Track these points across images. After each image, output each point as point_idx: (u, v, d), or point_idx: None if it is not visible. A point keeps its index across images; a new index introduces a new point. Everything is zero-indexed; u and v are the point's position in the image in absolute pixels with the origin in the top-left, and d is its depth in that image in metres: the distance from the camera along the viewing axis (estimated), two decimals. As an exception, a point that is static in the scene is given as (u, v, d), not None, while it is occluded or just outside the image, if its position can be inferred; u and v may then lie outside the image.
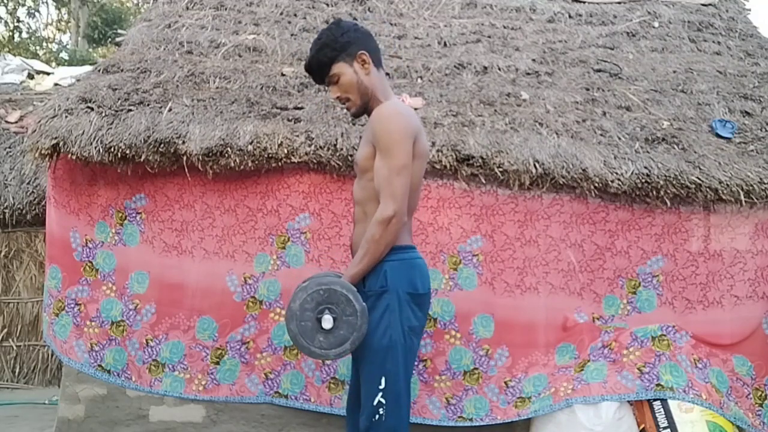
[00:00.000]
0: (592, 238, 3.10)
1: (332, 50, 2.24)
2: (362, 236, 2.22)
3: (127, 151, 2.96)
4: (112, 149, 2.95)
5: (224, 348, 3.06)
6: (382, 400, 2.07)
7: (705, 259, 3.08)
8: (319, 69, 2.28)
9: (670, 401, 2.75)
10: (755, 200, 3.02)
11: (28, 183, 5.31)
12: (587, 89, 3.75)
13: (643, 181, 3.00)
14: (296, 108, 3.31)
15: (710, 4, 5.05)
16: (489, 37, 4.42)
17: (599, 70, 4.01)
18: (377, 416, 2.06)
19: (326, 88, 3.48)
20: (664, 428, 2.71)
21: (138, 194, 3.14)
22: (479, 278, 3.06)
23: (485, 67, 3.94)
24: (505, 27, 4.61)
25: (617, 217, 3.10)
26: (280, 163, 3.02)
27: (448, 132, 3.12)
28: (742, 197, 3.00)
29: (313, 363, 3.04)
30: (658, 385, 2.79)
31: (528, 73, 3.92)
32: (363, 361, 2.15)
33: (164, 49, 3.89)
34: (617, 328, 3.03)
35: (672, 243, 3.09)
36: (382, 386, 2.07)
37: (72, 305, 3.08)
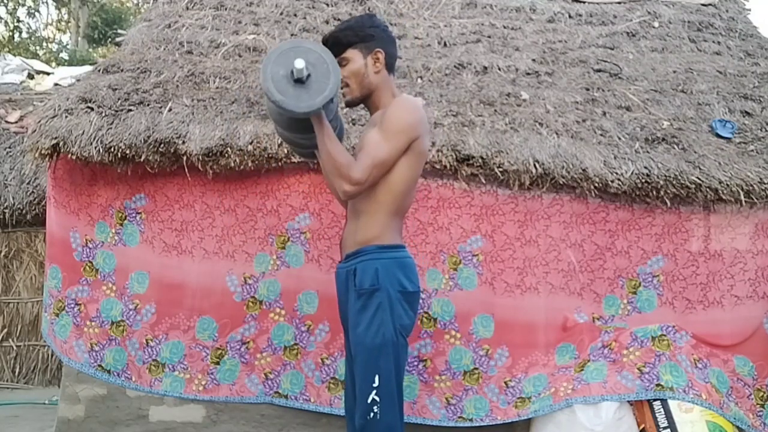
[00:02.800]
0: (592, 238, 3.10)
1: (354, 35, 2.27)
2: (353, 234, 2.24)
3: (127, 151, 2.96)
4: (112, 149, 2.95)
5: (224, 348, 3.06)
6: (376, 398, 2.07)
7: (705, 259, 3.08)
8: (333, 46, 2.27)
9: (670, 401, 2.75)
10: (755, 200, 3.02)
11: (28, 183, 5.31)
12: (587, 89, 3.75)
13: (643, 181, 3.00)
14: (296, 108, 3.30)
15: (710, 4, 5.05)
16: (489, 37, 4.42)
17: (599, 70, 4.01)
18: (372, 414, 2.07)
19: None
20: (664, 428, 2.71)
21: (138, 194, 3.14)
22: (479, 278, 3.06)
23: (485, 67, 3.94)
24: (505, 27, 4.61)
25: (617, 217, 3.10)
26: (280, 163, 3.02)
27: (448, 132, 3.12)
28: (742, 197, 3.00)
29: (313, 363, 3.04)
30: (658, 385, 2.79)
31: (528, 73, 3.92)
32: (357, 360, 2.16)
33: (164, 49, 3.89)
34: (617, 328, 3.03)
35: (672, 243, 3.09)
36: (375, 384, 2.08)
37: (72, 305, 3.08)
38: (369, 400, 2.07)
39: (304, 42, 2.13)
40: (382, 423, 2.07)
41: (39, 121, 3.03)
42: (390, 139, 2.14)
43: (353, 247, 2.23)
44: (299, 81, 2.02)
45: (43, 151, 2.97)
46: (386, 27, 2.37)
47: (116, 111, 3.12)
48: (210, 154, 2.97)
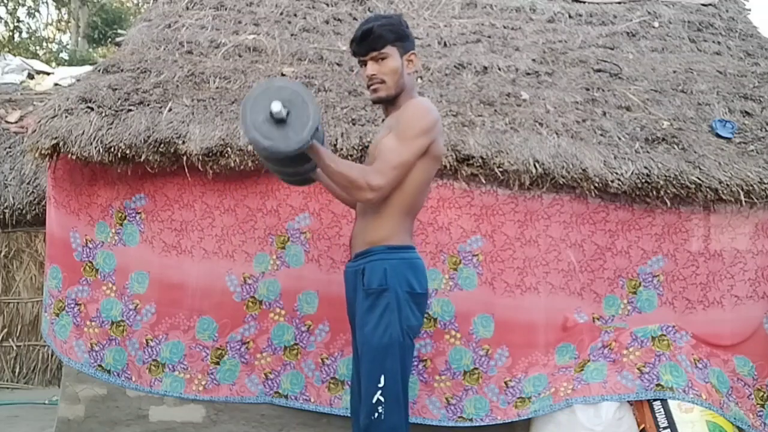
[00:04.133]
0: (592, 238, 3.10)
1: (394, 33, 2.26)
2: (362, 234, 2.24)
3: (127, 151, 2.96)
4: (112, 149, 2.95)
5: (224, 348, 3.06)
6: (381, 398, 2.07)
7: (705, 259, 3.08)
8: (374, 40, 2.24)
9: (670, 401, 2.75)
10: (755, 200, 3.02)
11: (28, 183, 5.31)
12: (587, 89, 3.75)
13: (643, 181, 3.00)
14: (296, 108, 3.30)
15: (710, 4, 5.05)
16: (489, 37, 4.42)
17: (599, 70, 4.01)
18: (376, 414, 2.07)
19: (329, 84, 3.52)
20: (664, 428, 2.71)
21: (138, 194, 3.14)
22: (479, 278, 3.06)
23: (485, 67, 3.94)
24: (505, 27, 4.61)
25: (617, 217, 3.10)
26: (280, 163, 3.02)
27: (448, 132, 3.12)
28: (742, 197, 3.00)
29: (312, 363, 3.04)
30: (658, 385, 2.79)
31: (528, 73, 3.92)
32: (363, 359, 2.16)
33: (164, 49, 3.89)
34: (617, 328, 3.03)
35: (672, 243, 3.09)
36: (381, 384, 2.08)
37: (72, 305, 3.07)
38: (374, 400, 2.07)
39: (272, 82, 2.12)
40: (386, 423, 2.07)
41: (39, 121, 3.03)
42: (407, 142, 2.14)
43: (362, 247, 2.22)
44: (281, 121, 2.02)
45: (43, 151, 2.97)
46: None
47: (116, 111, 3.12)
48: (210, 154, 2.97)
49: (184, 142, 2.98)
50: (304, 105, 2.04)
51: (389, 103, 2.32)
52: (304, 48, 4.05)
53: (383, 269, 2.14)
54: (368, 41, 2.26)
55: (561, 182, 3.02)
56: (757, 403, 2.96)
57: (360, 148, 3.00)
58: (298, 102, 2.04)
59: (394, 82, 2.26)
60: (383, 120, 2.43)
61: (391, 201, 2.18)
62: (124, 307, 3.08)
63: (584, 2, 5.05)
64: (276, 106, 1.99)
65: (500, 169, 3.01)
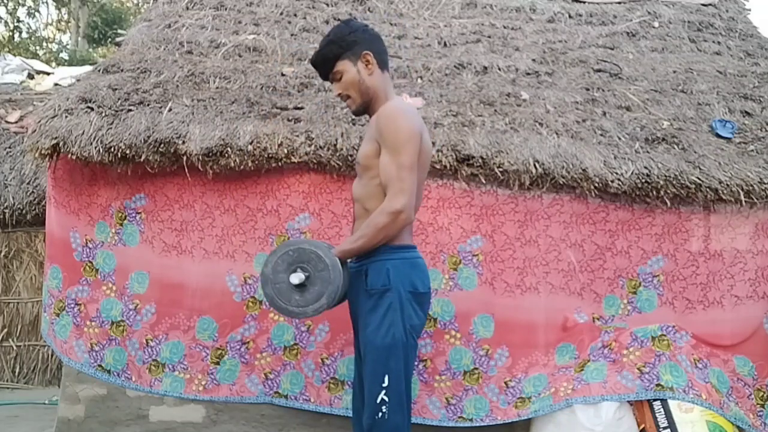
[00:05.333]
0: (593, 238, 3.10)
1: (338, 47, 2.27)
2: None
3: (127, 151, 2.96)
4: (112, 149, 2.95)
5: (224, 348, 3.06)
6: (385, 398, 2.08)
7: (705, 259, 3.08)
8: (323, 64, 2.32)
9: (670, 401, 2.75)
10: (755, 200, 3.02)
11: (28, 183, 5.31)
12: (587, 89, 3.75)
13: (643, 181, 3.00)
14: (296, 108, 3.31)
15: (710, 4, 5.05)
16: (489, 37, 4.42)
17: (599, 70, 4.01)
18: (380, 414, 2.07)
19: (330, 84, 3.53)
20: (664, 428, 2.71)
21: (138, 194, 3.14)
22: (479, 278, 3.06)
23: (485, 67, 3.94)
24: (505, 27, 4.61)
25: (617, 217, 3.10)
26: (280, 163, 3.02)
27: (448, 132, 3.12)
28: (742, 197, 3.00)
29: (312, 363, 3.04)
30: (658, 385, 2.79)
31: (528, 73, 3.92)
32: (366, 359, 2.16)
33: (164, 49, 3.89)
34: (617, 328, 3.03)
35: (672, 243, 3.09)
36: (385, 384, 2.08)
37: (72, 305, 3.08)
38: (378, 400, 2.08)
39: (277, 252, 2.20)
40: (390, 423, 2.08)
41: (39, 121, 3.03)
42: (400, 152, 2.14)
43: None
44: (303, 285, 2.13)
45: (43, 151, 2.97)
46: (365, 27, 2.36)
47: (116, 111, 3.12)
48: (210, 154, 2.97)
49: (184, 142, 2.98)
50: (318, 258, 2.16)
51: (367, 110, 2.34)
52: (304, 48, 4.05)
53: (386, 269, 2.14)
54: (319, 67, 2.34)
55: (561, 182, 3.02)
56: (757, 403, 2.96)
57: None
58: (312, 257, 2.16)
59: (358, 92, 2.29)
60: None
61: None
62: (124, 307, 3.08)
63: (584, 2, 5.05)
64: (295, 279, 2.14)
65: (500, 169, 3.01)
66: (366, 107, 2.33)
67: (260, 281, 2.18)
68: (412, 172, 2.14)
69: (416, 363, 3.00)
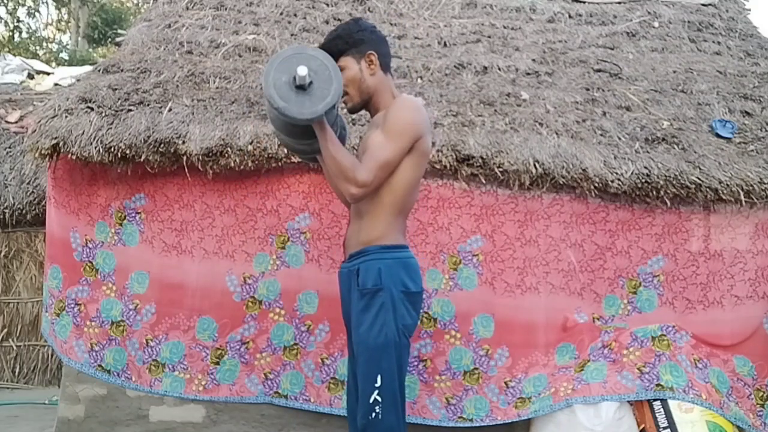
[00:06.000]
0: (593, 238, 3.10)
1: (344, 43, 2.28)
2: (356, 234, 2.24)
3: (127, 151, 2.96)
4: (112, 149, 2.95)
5: (224, 348, 3.06)
6: (378, 398, 2.07)
7: (705, 259, 3.08)
8: None
9: (670, 401, 2.75)
10: (755, 200, 3.02)
11: (28, 183, 5.31)
12: (587, 89, 3.75)
13: (643, 181, 3.00)
14: (296, 108, 3.30)
15: (710, 4, 5.05)
16: (489, 37, 4.42)
17: (599, 70, 4.01)
18: (373, 414, 2.07)
19: None
20: (664, 428, 2.71)
21: (138, 194, 3.14)
22: (479, 278, 3.06)
23: (485, 67, 3.94)
24: (505, 27, 4.61)
25: (617, 217, 3.10)
26: (280, 163, 3.02)
27: (448, 132, 3.12)
28: (742, 197, 3.00)
29: (312, 363, 3.04)
30: (658, 385, 2.79)
31: (528, 73, 3.92)
32: (359, 359, 2.16)
33: (164, 49, 3.89)
34: (617, 328, 3.03)
35: (672, 243, 3.09)
36: (378, 384, 2.08)
37: (72, 305, 3.08)
38: (371, 400, 2.08)
39: (307, 48, 2.12)
40: (383, 423, 2.08)
41: (39, 121, 3.03)
42: (394, 139, 2.14)
43: (356, 247, 2.23)
44: (301, 87, 2.02)
45: (43, 151, 2.97)
46: (374, 28, 2.36)
47: (116, 111, 3.12)
48: (210, 154, 2.97)
49: (184, 142, 2.98)
50: (329, 80, 2.04)
51: (366, 107, 2.35)
52: (304, 48, 4.04)
53: (377, 269, 2.14)
54: None
55: (561, 182, 3.02)
56: (757, 403, 2.96)
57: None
58: (324, 75, 2.04)
59: (357, 90, 2.29)
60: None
61: (383, 200, 2.18)
62: (124, 307, 3.08)
63: (584, 2, 5.05)
64: (302, 70, 2.00)
65: (500, 169, 3.01)
66: (363, 106, 2.34)
67: (262, 80, 2.06)
68: (389, 166, 2.13)
69: (416, 363, 3.00)
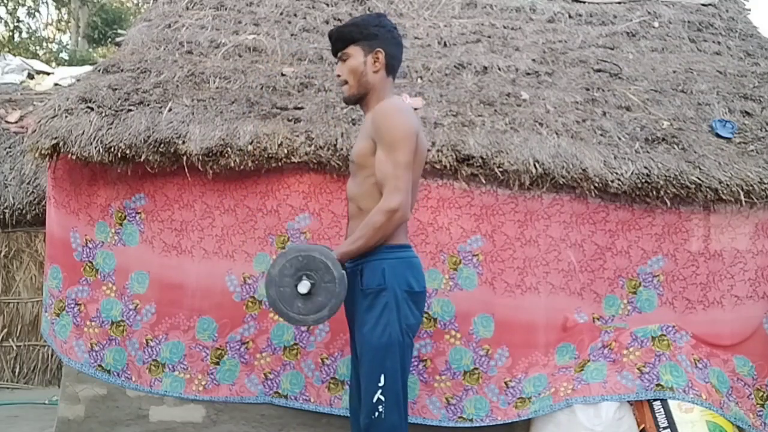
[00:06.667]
0: (593, 238, 3.10)
1: (357, 32, 2.29)
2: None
3: (127, 151, 2.96)
4: (112, 149, 2.95)
5: (224, 348, 3.06)
6: (381, 398, 2.08)
7: (705, 259, 3.08)
8: (337, 41, 2.33)
9: (670, 401, 2.75)
10: (755, 200, 3.02)
11: (28, 183, 5.30)
12: (587, 89, 3.75)
13: (643, 181, 3.00)
14: (296, 108, 3.31)
15: (710, 4, 5.05)
16: (489, 37, 4.42)
17: (599, 70, 4.01)
18: (377, 413, 2.07)
19: (330, 84, 3.53)
20: (664, 428, 2.71)
21: (138, 194, 3.14)
22: (479, 278, 3.06)
23: (485, 67, 3.94)
24: (505, 27, 4.61)
25: (617, 217, 3.10)
26: (280, 163, 3.02)
27: (448, 132, 3.12)
28: (742, 197, 3.00)
29: (312, 363, 3.04)
30: (658, 385, 2.79)
31: (528, 73, 3.92)
32: (362, 359, 2.16)
33: (164, 49, 3.89)
34: (617, 328, 3.03)
35: (672, 243, 3.09)
36: (381, 384, 2.08)
37: (72, 305, 3.08)
38: (374, 400, 2.08)
39: (286, 255, 2.17)
40: (386, 422, 2.08)
41: (39, 121, 3.03)
42: (396, 150, 2.14)
43: None
44: (310, 293, 2.11)
45: (43, 151, 2.97)
46: (393, 28, 2.36)
47: (116, 111, 3.12)
48: (210, 154, 2.97)
49: (184, 142, 2.98)
50: (325, 266, 2.12)
51: (361, 104, 2.36)
52: (304, 48, 4.05)
53: (381, 269, 2.14)
54: (333, 41, 2.35)
55: (561, 182, 3.02)
56: (757, 403, 2.97)
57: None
58: (316, 265, 2.13)
59: (356, 81, 2.30)
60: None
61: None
62: (124, 307, 3.08)
63: (584, 2, 5.05)
64: (303, 288, 2.11)
65: (500, 169, 3.01)
66: (358, 99, 2.34)
67: (265, 281, 2.16)
68: (407, 171, 2.15)
69: (416, 363, 3.00)
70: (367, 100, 2.32)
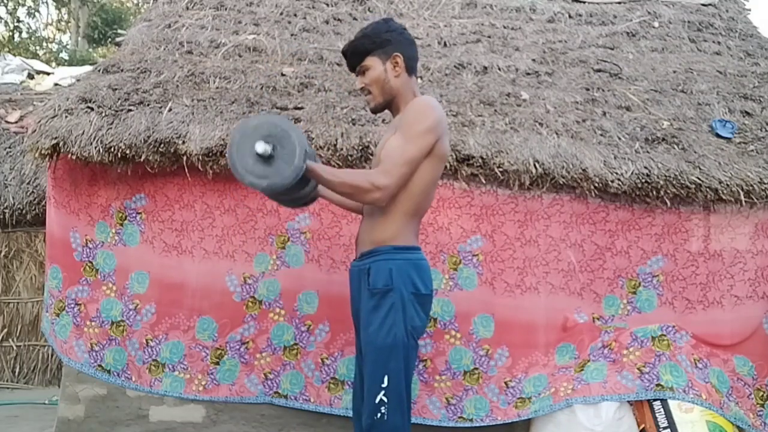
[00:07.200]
0: (592, 238, 3.10)
1: (371, 43, 2.29)
2: (369, 233, 2.24)
3: (127, 151, 2.96)
4: (112, 149, 2.95)
5: (224, 348, 3.06)
6: (384, 399, 2.07)
7: (705, 259, 3.08)
8: (352, 56, 2.33)
9: (670, 401, 2.75)
10: (755, 200, 3.02)
11: (28, 183, 5.31)
12: (587, 89, 3.75)
13: (643, 181, 3.00)
14: (296, 108, 3.31)
15: (710, 4, 5.05)
16: (489, 37, 4.42)
17: (599, 70, 4.01)
18: (379, 414, 2.07)
19: (330, 84, 3.53)
20: (664, 428, 2.71)
21: (138, 194, 3.14)
22: (479, 278, 3.06)
23: (485, 67, 3.94)
24: (505, 27, 4.61)
25: (617, 217, 3.10)
26: (280, 163, 3.01)
27: (448, 132, 3.12)
28: (742, 197, 3.00)
29: (312, 363, 3.04)
30: (658, 385, 2.79)
31: (528, 73, 3.92)
32: (366, 359, 2.16)
33: (164, 49, 3.89)
34: (617, 328, 3.03)
35: (672, 243, 3.09)
36: (384, 384, 2.08)
37: (72, 305, 3.08)
38: (377, 401, 2.08)
39: (247, 123, 2.12)
40: (389, 423, 2.07)
41: (39, 121, 3.03)
42: (414, 139, 2.14)
43: (368, 246, 2.23)
44: (270, 157, 2.04)
45: (43, 151, 2.97)
46: (403, 30, 2.36)
47: (116, 111, 3.12)
48: (210, 154, 2.97)
49: (184, 142, 2.98)
50: (285, 134, 2.05)
51: (389, 109, 2.35)
52: (304, 48, 4.05)
53: (389, 269, 2.14)
54: (349, 57, 2.35)
55: (561, 182, 3.02)
56: (757, 403, 2.97)
57: (360, 148, 3.00)
58: (279, 133, 2.06)
59: (380, 91, 2.30)
60: (389, 121, 2.43)
61: (398, 201, 2.17)
62: (124, 307, 3.08)
63: (584, 2, 5.05)
64: (260, 147, 2.02)
65: (500, 169, 3.01)
66: (385, 106, 2.34)
67: (239, 123, 2.08)
68: (410, 166, 2.13)
69: (416, 363, 2.99)
70: (395, 104, 2.32)
